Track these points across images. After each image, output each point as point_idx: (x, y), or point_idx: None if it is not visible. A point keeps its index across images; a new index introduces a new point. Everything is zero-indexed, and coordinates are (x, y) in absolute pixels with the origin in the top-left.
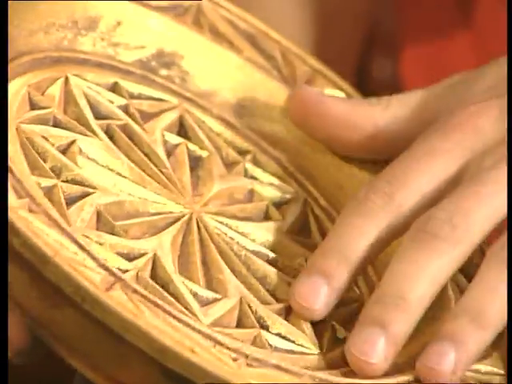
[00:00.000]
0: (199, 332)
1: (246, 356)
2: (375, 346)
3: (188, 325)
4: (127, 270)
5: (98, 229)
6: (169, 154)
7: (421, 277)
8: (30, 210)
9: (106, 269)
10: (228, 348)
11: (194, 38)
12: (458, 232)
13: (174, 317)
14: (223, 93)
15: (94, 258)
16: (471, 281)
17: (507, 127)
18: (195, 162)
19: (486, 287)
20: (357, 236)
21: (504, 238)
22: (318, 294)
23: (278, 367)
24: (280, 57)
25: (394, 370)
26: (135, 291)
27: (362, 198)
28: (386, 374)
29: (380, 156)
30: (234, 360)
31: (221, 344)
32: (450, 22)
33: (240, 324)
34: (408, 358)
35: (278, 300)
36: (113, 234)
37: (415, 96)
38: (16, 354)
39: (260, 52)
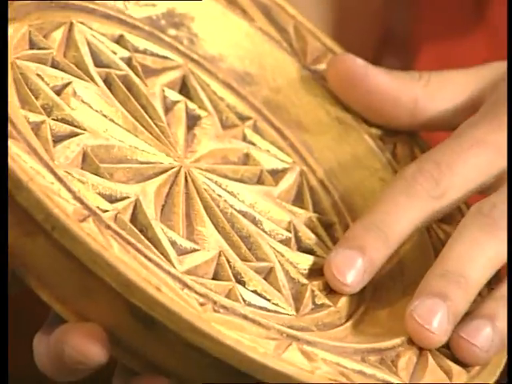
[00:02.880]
0: (168, 273)
1: (214, 302)
2: (437, 316)
3: (158, 265)
4: (106, 211)
5: (82, 168)
6: (167, 109)
7: (481, 259)
8: (12, 137)
9: (81, 202)
10: (196, 292)
11: (206, 1)
12: (490, 219)
13: (145, 256)
14: (230, 59)
15: (70, 191)
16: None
17: (507, 128)
18: (193, 121)
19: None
20: (400, 215)
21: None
22: (353, 269)
23: (245, 317)
24: (293, 31)
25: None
26: (108, 227)
27: (409, 177)
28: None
29: (418, 130)
30: (201, 304)
31: (189, 288)
32: (466, 21)
33: (216, 277)
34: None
35: (258, 259)
36: (96, 175)
37: (457, 77)
38: None
39: (273, 23)
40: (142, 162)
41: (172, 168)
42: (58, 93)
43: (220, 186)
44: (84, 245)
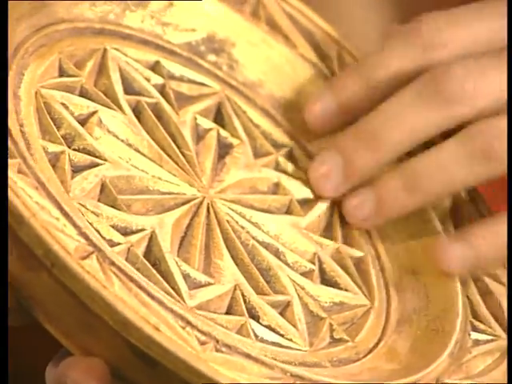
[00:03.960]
0: (171, 311)
1: (217, 341)
2: (332, 171)
3: (160, 302)
4: (119, 244)
5: (99, 200)
6: (198, 138)
7: (404, 125)
8: (20, 171)
9: (86, 238)
10: (198, 330)
11: (247, 27)
12: (463, 93)
13: (148, 293)
14: (269, 85)
15: (75, 226)
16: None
17: (507, 129)
18: (224, 149)
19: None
20: (387, 59)
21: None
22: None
23: (248, 356)
24: (336, 57)
25: None
26: (113, 263)
27: (409, 26)
28: None
29: None
30: (202, 343)
31: (192, 325)
32: None
33: (229, 311)
34: None
35: (276, 292)
36: (113, 207)
37: None
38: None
39: (316, 50)
40: (163, 193)
41: (195, 199)
42: (83, 122)
43: (244, 217)
44: (83, 282)
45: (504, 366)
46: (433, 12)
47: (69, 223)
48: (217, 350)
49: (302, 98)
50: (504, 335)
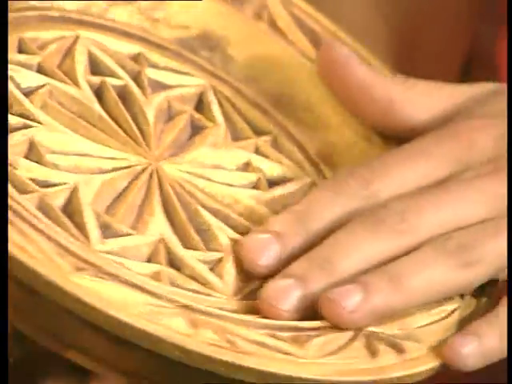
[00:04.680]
0: (60, 245)
1: (99, 269)
2: (288, 295)
3: (57, 243)
4: (31, 192)
5: (26, 157)
6: (169, 118)
7: (354, 251)
8: None
9: None
10: (80, 259)
11: (246, 24)
12: (404, 225)
13: (46, 236)
14: (266, 82)
15: None
16: None
17: (507, 131)
18: (195, 130)
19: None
20: (322, 208)
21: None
22: (266, 251)
23: (133, 285)
24: None
25: None
26: (15, 211)
27: (339, 178)
28: None
29: (392, 133)
30: (78, 269)
31: (77, 257)
32: None
33: (149, 260)
34: None
35: (209, 250)
36: (37, 163)
37: (442, 89)
38: None
39: (316, 47)
40: (102, 157)
41: (137, 165)
42: (28, 93)
43: (196, 187)
44: None
45: None
46: (361, 166)
47: None
48: (96, 277)
49: (299, 94)
50: None
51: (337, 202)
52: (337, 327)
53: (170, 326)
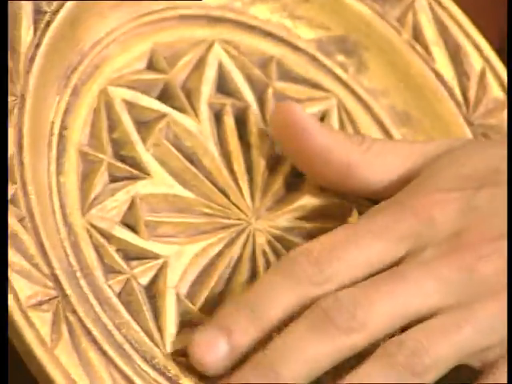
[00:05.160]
0: (119, 371)
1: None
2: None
3: (110, 360)
4: (119, 273)
5: (122, 220)
6: None
7: (299, 357)
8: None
9: (56, 279)
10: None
11: (386, 32)
12: (354, 322)
13: (100, 349)
14: (394, 96)
15: (49, 266)
16: None
17: (507, 144)
18: None
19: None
20: (273, 297)
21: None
22: (214, 350)
23: None
24: (477, 76)
25: None
26: (74, 311)
27: (291, 258)
28: None
29: (353, 195)
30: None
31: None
32: None
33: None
34: None
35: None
36: (133, 230)
37: (401, 149)
38: None
39: (456, 66)
40: (203, 214)
41: (236, 225)
42: (144, 127)
43: (284, 246)
44: (19, 335)
45: None
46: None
47: (43, 261)
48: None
49: (424, 116)
50: None
51: (288, 289)
52: None
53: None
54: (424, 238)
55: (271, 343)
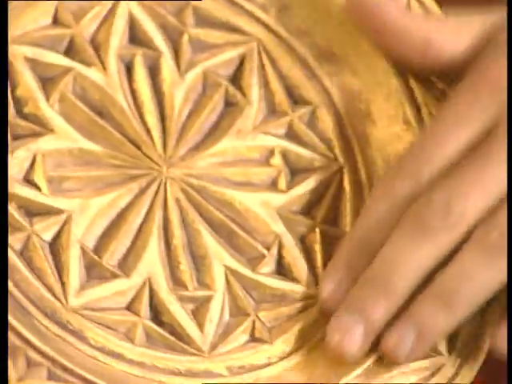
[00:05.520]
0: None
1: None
2: (353, 336)
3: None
4: (20, 230)
5: (24, 177)
6: (200, 95)
7: (407, 265)
8: None
9: None
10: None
11: None
12: (452, 218)
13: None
14: (317, 35)
15: None
16: None
17: (507, 136)
18: (227, 108)
19: (460, 272)
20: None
21: (493, 221)
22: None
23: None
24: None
25: None
26: None
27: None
28: None
29: (429, 73)
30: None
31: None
32: None
33: (129, 308)
34: None
35: (201, 285)
36: (35, 186)
37: (471, 21)
38: None
39: None
40: (111, 166)
41: (146, 174)
42: (48, 83)
43: (203, 194)
44: None
45: None
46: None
47: None
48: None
49: (349, 54)
50: None
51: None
52: None
53: None
54: (497, 112)
55: (376, 259)
